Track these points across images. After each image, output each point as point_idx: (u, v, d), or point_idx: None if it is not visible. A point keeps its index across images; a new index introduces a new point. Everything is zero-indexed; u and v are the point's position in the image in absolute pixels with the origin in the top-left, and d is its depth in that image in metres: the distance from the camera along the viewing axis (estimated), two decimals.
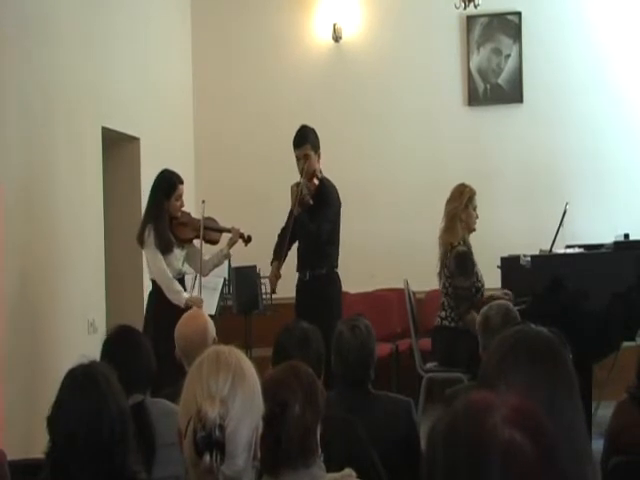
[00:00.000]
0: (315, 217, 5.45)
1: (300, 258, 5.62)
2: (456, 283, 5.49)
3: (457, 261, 5.47)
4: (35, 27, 5.11)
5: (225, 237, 5.69)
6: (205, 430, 1.59)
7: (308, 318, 3.44)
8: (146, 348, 3.17)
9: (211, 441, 1.59)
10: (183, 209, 5.51)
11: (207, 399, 1.62)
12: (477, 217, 5.62)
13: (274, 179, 7.15)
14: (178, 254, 5.42)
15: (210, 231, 5.58)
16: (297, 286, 5.64)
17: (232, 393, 1.65)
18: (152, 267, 5.37)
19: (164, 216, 5.36)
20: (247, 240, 5.64)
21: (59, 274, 5.26)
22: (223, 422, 1.61)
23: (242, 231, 5.62)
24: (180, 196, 5.42)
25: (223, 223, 5.73)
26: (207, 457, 1.59)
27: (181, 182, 5.44)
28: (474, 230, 5.62)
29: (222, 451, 1.60)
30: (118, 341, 3.21)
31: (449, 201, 5.62)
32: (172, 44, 7.61)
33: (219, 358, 1.70)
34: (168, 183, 5.41)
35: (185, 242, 5.50)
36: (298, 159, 5.56)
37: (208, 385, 1.65)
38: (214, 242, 5.67)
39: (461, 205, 5.56)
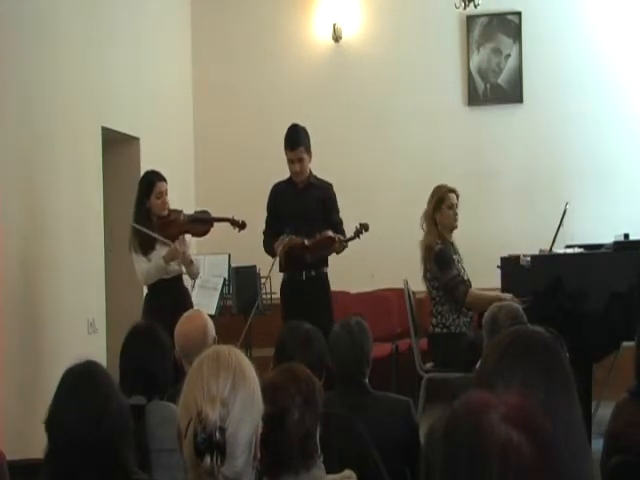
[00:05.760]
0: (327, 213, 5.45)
1: (293, 257, 5.35)
2: (443, 279, 5.48)
3: (437, 260, 5.48)
4: (35, 27, 5.11)
5: (216, 227, 5.57)
6: (206, 432, 1.59)
7: (308, 320, 3.40)
8: (163, 350, 3.16)
9: (212, 443, 1.59)
10: (175, 207, 5.41)
11: (207, 401, 1.62)
12: (456, 214, 5.57)
13: (274, 179, 7.13)
14: (164, 252, 5.28)
15: (195, 224, 5.45)
16: (289, 287, 5.45)
17: (232, 394, 1.65)
18: (136, 270, 5.31)
19: (143, 216, 5.29)
20: (241, 226, 5.53)
21: (59, 274, 5.26)
22: (223, 424, 1.61)
23: (236, 218, 5.51)
24: (162, 193, 5.31)
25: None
26: (207, 459, 1.59)
27: (161, 179, 5.34)
28: (456, 227, 5.61)
29: (222, 453, 1.60)
30: (137, 340, 3.21)
31: (427, 205, 5.62)
32: (172, 44, 7.61)
33: (219, 358, 1.70)
34: (147, 182, 5.34)
35: (170, 239, 5.32)
36: (292, 161, 5.43)
37: (208, 386, 1.65)
38: (199, 234, 5.58)
39: (431, 208, 5.55)
